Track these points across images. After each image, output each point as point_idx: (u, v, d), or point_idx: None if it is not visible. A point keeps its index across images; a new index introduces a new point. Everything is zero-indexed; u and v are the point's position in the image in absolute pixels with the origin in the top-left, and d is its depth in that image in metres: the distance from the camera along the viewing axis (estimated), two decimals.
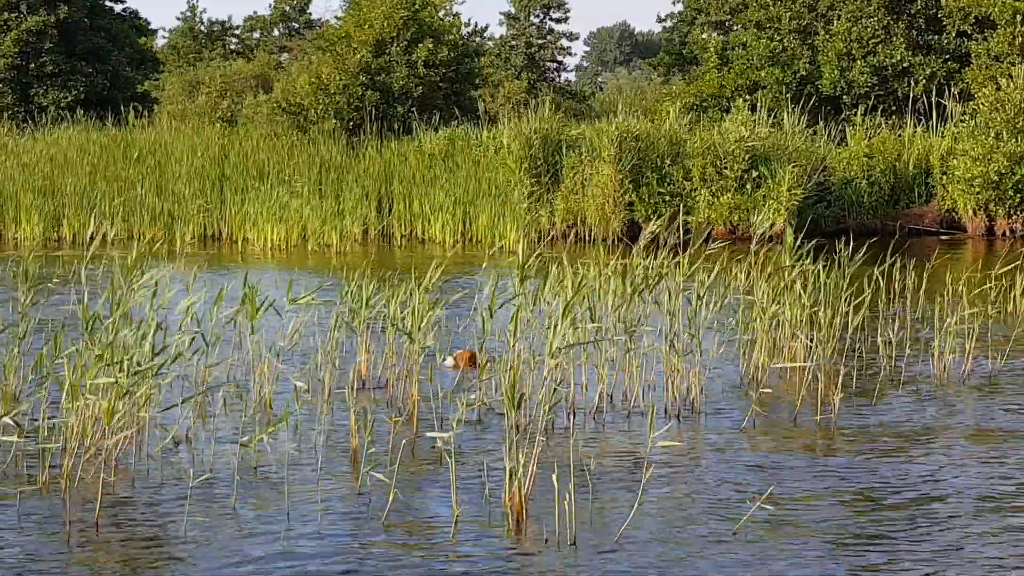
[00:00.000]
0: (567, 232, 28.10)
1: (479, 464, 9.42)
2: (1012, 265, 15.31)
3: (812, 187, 28.59)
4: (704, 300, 11.91)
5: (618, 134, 28.52)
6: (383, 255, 25.71)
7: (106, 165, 30.94)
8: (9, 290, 16.75)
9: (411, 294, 11.63)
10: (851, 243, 13.45)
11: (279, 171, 30.18)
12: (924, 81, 34.58)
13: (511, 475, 8.35)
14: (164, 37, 67.54)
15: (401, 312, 11.59)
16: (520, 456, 8.34)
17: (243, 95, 47.43)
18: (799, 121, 31.08)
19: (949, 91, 33.73)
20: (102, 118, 38.26)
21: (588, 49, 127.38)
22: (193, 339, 10.24)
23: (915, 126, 32.39)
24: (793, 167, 27.92)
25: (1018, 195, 29.08)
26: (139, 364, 9.10)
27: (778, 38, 36.44)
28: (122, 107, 40.33)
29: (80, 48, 42.86)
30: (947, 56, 35.37)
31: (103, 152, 31.83)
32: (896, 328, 14.27)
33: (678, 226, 15.60)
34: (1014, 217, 29.35)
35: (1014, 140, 29.37)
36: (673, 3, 51.35)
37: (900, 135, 31.68)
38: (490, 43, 53.88)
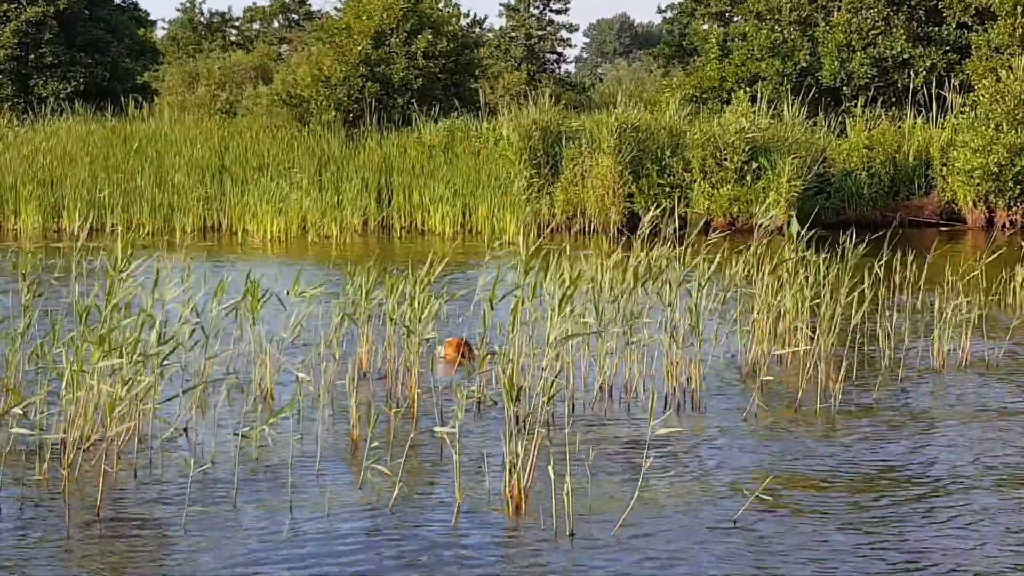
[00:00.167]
0: (567, 223, 28.12)
1: (479, 454, 9.43)
2: (996, 255, 15.26)
3: (812, 179, 28.57)
4: (704, 290, 11.93)
5: (618, 125, 28.49)
6: (383, 246, 25.71)
7: (106, 156, 30.94)
8: (9, 281, 16.75)
9: (412, 285, 11.61)
10: (853, 235, 13.45)
11: (279, 163, 30.17)
12: (924, 72, 34.54)
13: (511, 467, 8.36)
14: (164, 28, 67.63)
15: (399, 307, 11.57)
16: (520, 448, 8.35)
17: (243, 86, 47.46)
18: (799, 112, 31.06)
19: (949, 82, 33.71)
20: (102, 109, 38.28)
21: (588, 40, 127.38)
22: (193, 331, 10.24)
23: (915, 117, 32.36)
24: (793, 159, 27.90)
25: (1018, 186, 29.07)
26: (141, 352, 9.10)
27: (778, 29, 36.41)
28: (122, 98, 40.36)
29: (80, 39, 42.84)
30: (947, 47, 35.33)
31: (103, 143, 31.84)
32: (895, 318, 14.31)
33: (675, 217, 15.58)
34: (1014, 208, 29.33)
35: (1014, 131, 29.34)
36: None
37: (900, 127, 31.65)
38: (490, 34, 53.88)
